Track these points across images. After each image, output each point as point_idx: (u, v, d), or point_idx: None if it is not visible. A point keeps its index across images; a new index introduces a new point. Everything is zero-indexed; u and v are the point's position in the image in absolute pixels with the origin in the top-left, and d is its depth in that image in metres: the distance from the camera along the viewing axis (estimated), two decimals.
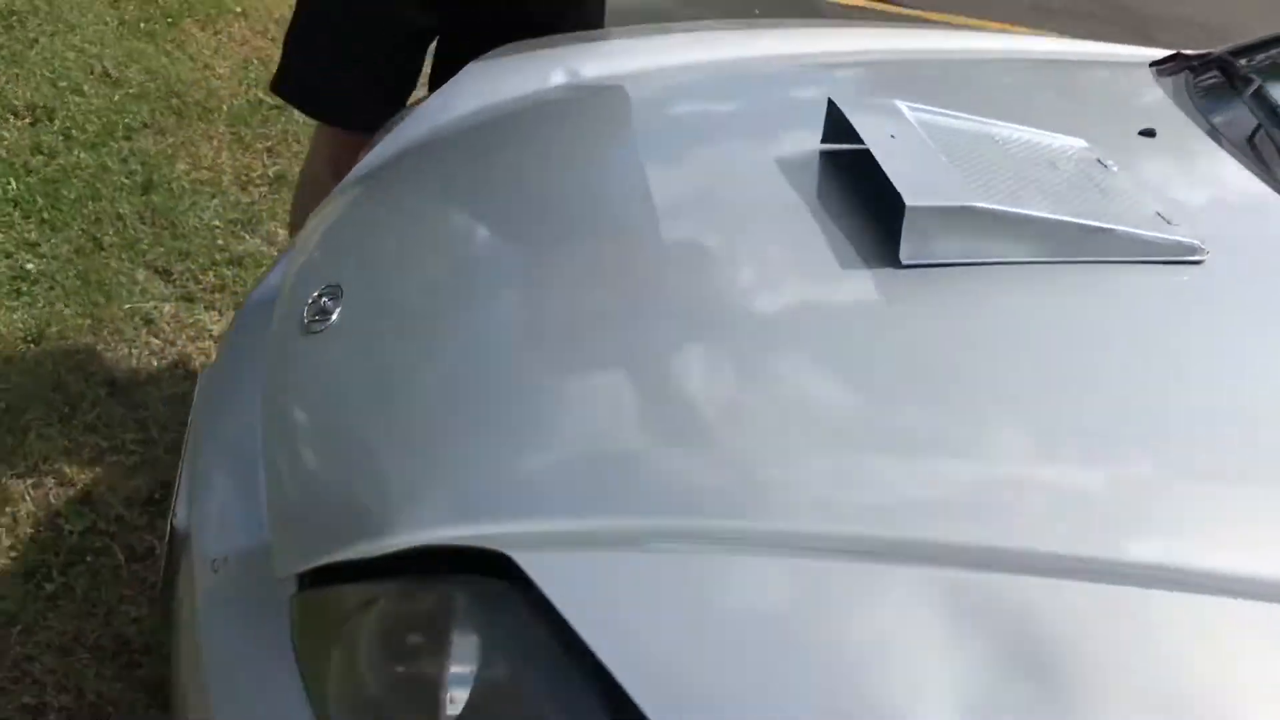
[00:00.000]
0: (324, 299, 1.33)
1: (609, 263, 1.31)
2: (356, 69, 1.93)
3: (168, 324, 2.37)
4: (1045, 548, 0.94)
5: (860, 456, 1.04)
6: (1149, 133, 1.62)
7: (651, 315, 1.21)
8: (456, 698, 0.91)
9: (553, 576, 0.89)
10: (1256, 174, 1.50)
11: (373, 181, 1.62)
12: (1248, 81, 1.73)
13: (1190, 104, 1.72)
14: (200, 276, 2.52)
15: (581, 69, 1.74)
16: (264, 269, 2.19)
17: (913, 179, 1.27)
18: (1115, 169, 1.44)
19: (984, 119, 1.50)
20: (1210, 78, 1.79)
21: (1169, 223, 1.33)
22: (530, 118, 1.65)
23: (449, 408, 1.13)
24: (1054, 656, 0.84)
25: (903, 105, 1.46)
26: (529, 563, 0.89)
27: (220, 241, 2.63)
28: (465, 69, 1.77)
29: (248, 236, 2.68)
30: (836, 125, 1.45)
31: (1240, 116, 1.65)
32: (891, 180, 1.26)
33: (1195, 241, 1.30)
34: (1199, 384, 1.16)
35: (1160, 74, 1.87)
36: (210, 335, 2.36)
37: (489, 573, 0.95)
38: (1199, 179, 1.54)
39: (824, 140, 1.47)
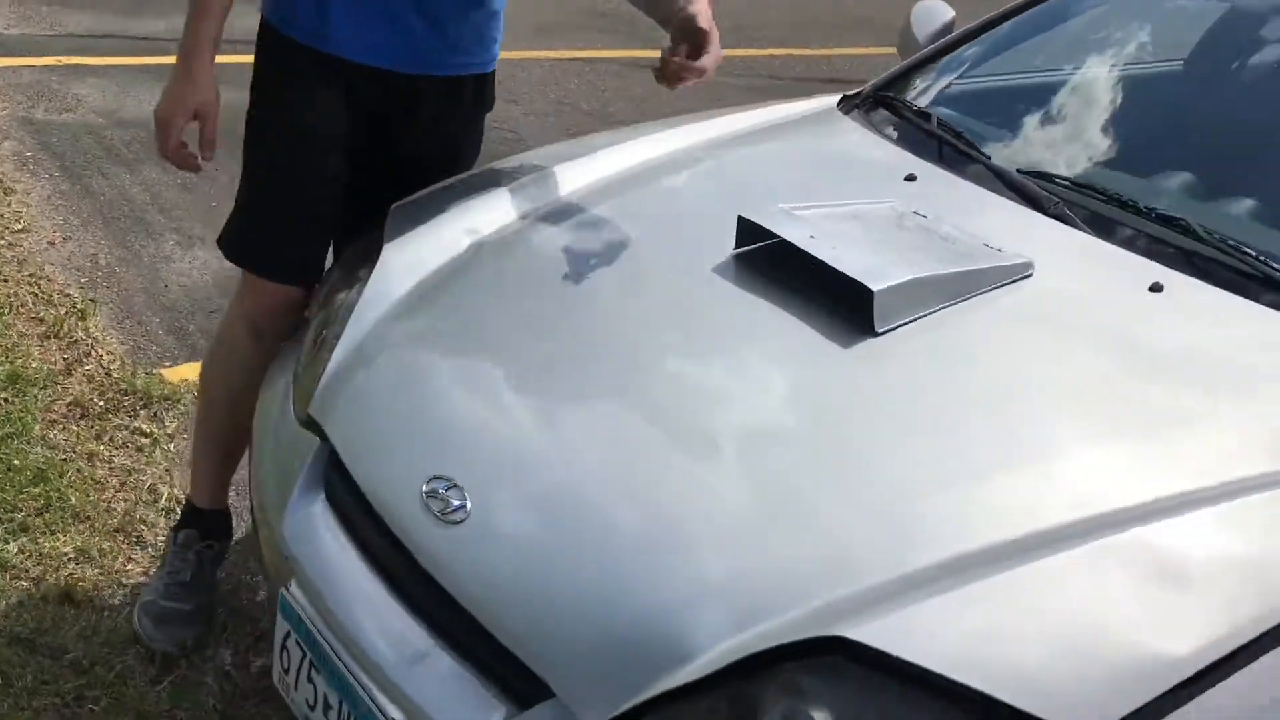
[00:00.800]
0: (439, 491, 1.52)
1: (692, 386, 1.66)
2: (310, 225, 2.09)
3: None
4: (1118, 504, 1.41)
5: (1004, 468, 1.47)
6: (911, 178, 2.15)
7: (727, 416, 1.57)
8: None
9: (890, 639, 1.23)
10: (996, 192, 2.06)
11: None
12: (926, 116, 2.31)
13: (902, 142, 2.25)
14: None
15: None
16: None
17: (858, 267, 1.69)
18: (929, 217, 1.94)
19: (827, 202, 1.95)
20: (893, 115, 2.34)
21: (999, 250, 1.85)
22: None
23: (663, 536, 1.41)
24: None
25: (784, 207, 1.87)
26: (867, 635, 1.23)
27: None
28: (391, 211, 2.01)
29: None
30: (746, 233, 1.84)
31: (951, 150, 2.21)
32: (845, 272, 1.68)
33: (1027, 258, 1.83)
34: (1128, 357, 1.68)
35: (846, 113, 2.41)
36: None
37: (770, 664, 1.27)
38: (966, 208, 2.07)
39: (738, 245, 1.85)
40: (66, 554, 2.34)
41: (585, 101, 5.55)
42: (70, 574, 2.29)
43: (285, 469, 1.80)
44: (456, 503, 1.52)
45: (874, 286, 1.66)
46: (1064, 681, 1.22)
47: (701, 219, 2.00)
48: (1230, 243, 1.88)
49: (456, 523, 1.51)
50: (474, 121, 2.22)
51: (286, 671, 1.67)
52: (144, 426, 2.79)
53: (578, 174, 2.16)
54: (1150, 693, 1.19)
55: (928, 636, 1.26)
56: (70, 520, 2.43)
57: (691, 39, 1.93)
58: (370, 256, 1.97)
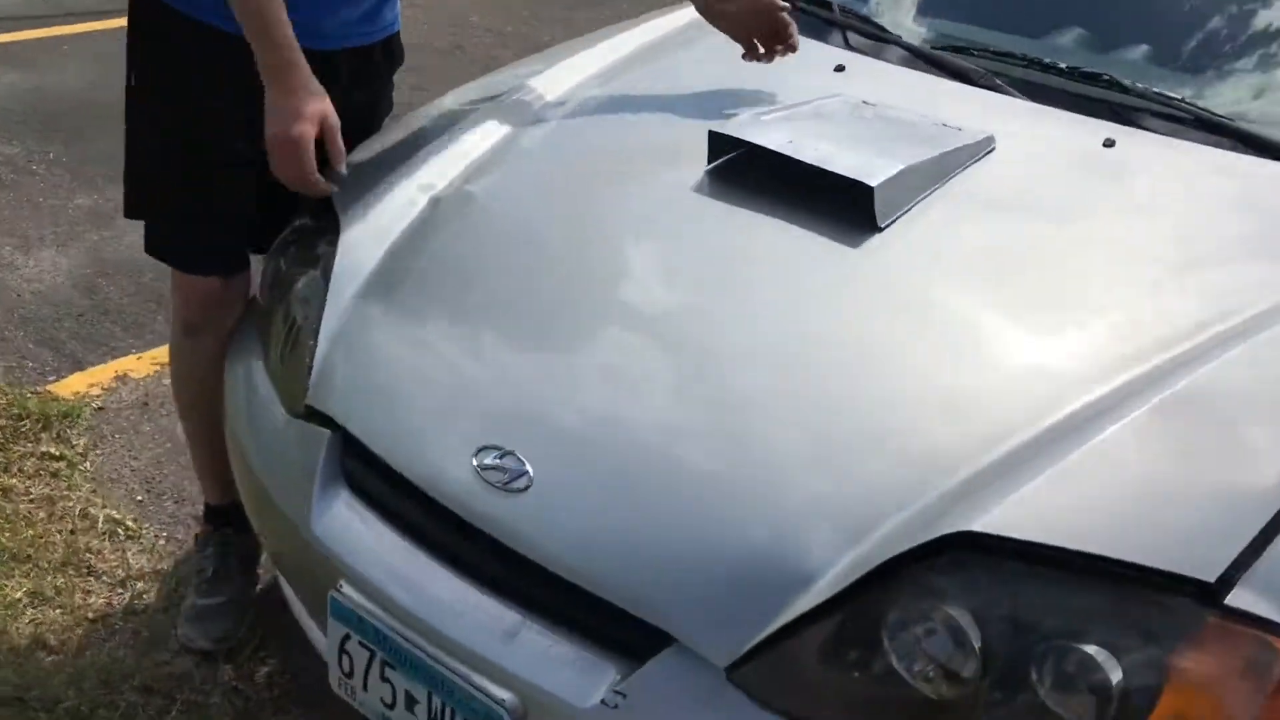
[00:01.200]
0: (493, 460, 1.47)
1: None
2: (225, 212, 1.95)
3: None
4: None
5: (1046, 339, 1.54)
6: (840, 68, 2.15)
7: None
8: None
9: (1005, 524, 1.26)
10: (924, 72, 2.09)
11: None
12: (828, 5, 2.31)
13: (817, 35, 2.25)
14: None
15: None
16: None
17: (848, 165, 1.69)
18: (879, 106, 1.95)
19: (786, 104, 1.93)
20: (801, 9, 2.33)
21: (958, 129, 1.88)
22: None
23: (747, 466, 1.40)
24: None
25: (749, 114, 1.85)
26: (985, 525, 1.26)
27: None
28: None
29: None
30: (720, 146, 1.81)
31: (865, 38, 2.22)
32: (839, 172, 1.68)
33: (988, 133, 1.86)
34: (1114, 213, 1.74)
35: None
36: None
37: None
38: (900, 91, 2.09)
39: (711, 160, 1.82)
40: (20, 599, 2.17)
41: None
42: (32, 619, 2.13)
43: (283, 468, 1.71)
44: (516, 469, 1.47)
45: (872, 183, 1.67)
46: (1175, 533, 1.27)
47: (659, 137, 1.95)
48: (1154, 91, 1.96)
49: (521, 490, 1.46)
50: (386, 80, 2.12)
51: (349, 675, 1.60)
52: (52, 450, 2.59)
53: (510, 111, 2.08)
54: (1258, 524, 1.26)
55: (1037, 516, 1.29)
56: (10, 563, 2.25)
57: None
58: (324, 232, 1.87)
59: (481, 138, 2.00)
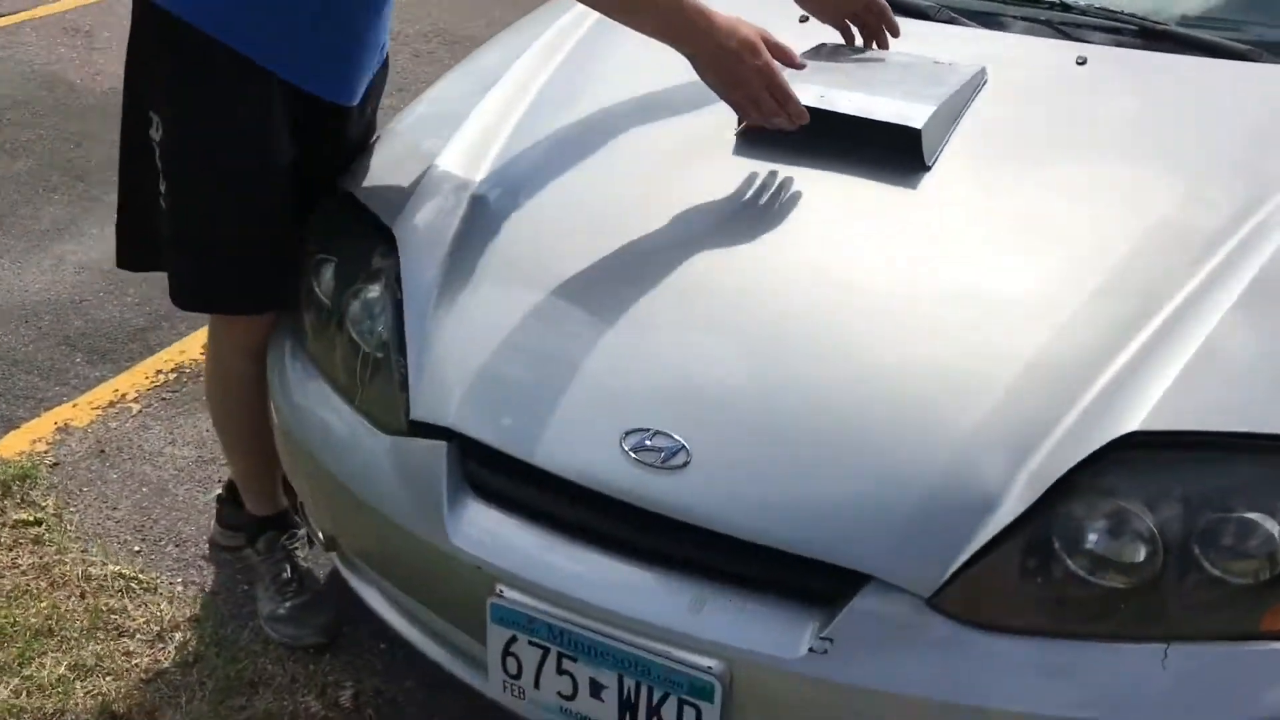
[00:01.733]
0: (643, 442, 1.51)
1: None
2: (284, 251, 1.91)
3: None
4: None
5: (1125, 244, 1.66)
6: (804, 19, 2.23)
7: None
8: None
9: (1164, 419, 1.40)
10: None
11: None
12: None
13: None
14: None
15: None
16: None
17: (890, 112, 1.78)
18: (863, 47, 2.04)
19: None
20: None
21: (950, 64, 1.99)
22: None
23: (899, 406, 1.49)
24: None
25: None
26: (1147, 422, 1.39)
27: None
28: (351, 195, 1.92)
29: None
30: None
31: None
32: (882, 119, 1.76)
33: (979, 65, 1.98)
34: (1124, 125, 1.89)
35: None
36: None
37: None
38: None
39: (740, 123, 1.87)
40: (65, 675, 2.05)
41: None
42: (87, 692, 2.03)
43: (398, 490, 1.68)
44: (670, 447, 1.51)
45: (918, 125, 1.76)
46: None
47: (678, 99, 1.97)
48: (1097, 6, 2.13)
49: (681, 466, 1.50)
50: (376, 104, 2.11)
51: (516, 676, 1.61)
52: (23, 515, 2.44)
53: (512, 97, 2.07)
54: None
55: (1184, 407, 1.43)
56: (36, 641, 2.12)
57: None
58: (370, 247, 1.83)
59: (494, 128, 1.99)
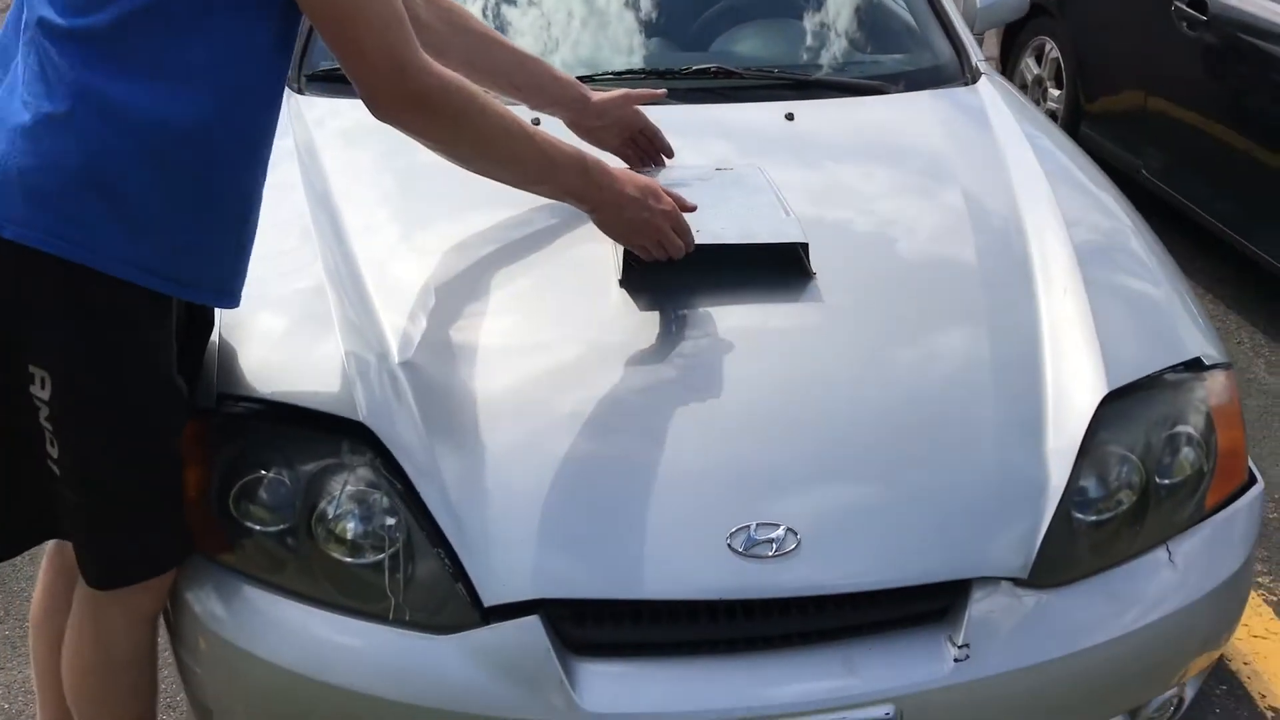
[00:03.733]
0: (753, 538, 1.58)
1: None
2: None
3: None
4: None
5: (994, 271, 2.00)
6: (537, 120, 2.30)
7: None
8: None
9: None
10: None
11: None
12: None
13: None
14: None
15: None
16: None
17: (766, 232, 1.93)
18: (672, 165, 2.18)
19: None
20: None
21: (730, 168, 2.14)
22: None
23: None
24: None
25: None
26: None
27: None
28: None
29: None
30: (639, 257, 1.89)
31: None
32: (767, 242, 1.92)
33: (751, 160, 2.17)
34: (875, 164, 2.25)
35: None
36: None
37: None
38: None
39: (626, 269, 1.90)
40: None
41: None
42: None
43: (497, 686, 1.55)
44: (779, 537, 1.59)
45: (802, 239, 1.92)
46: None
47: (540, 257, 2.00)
48: (776, 70, 2.52)
49: (792, 550, 1.59)
50: None
51: None
52: None
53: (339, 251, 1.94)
54: None
55: (1127, 358, 1.82)
56: None
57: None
58: (335, 445, 1.65)
59: (357, 293, 1.86)
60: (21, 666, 2.34)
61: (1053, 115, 4.91)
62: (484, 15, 2.61)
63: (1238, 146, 3.77)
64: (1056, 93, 4.91)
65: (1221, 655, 2.42)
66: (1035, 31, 5.04)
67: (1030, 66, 5.11)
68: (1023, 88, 5.16)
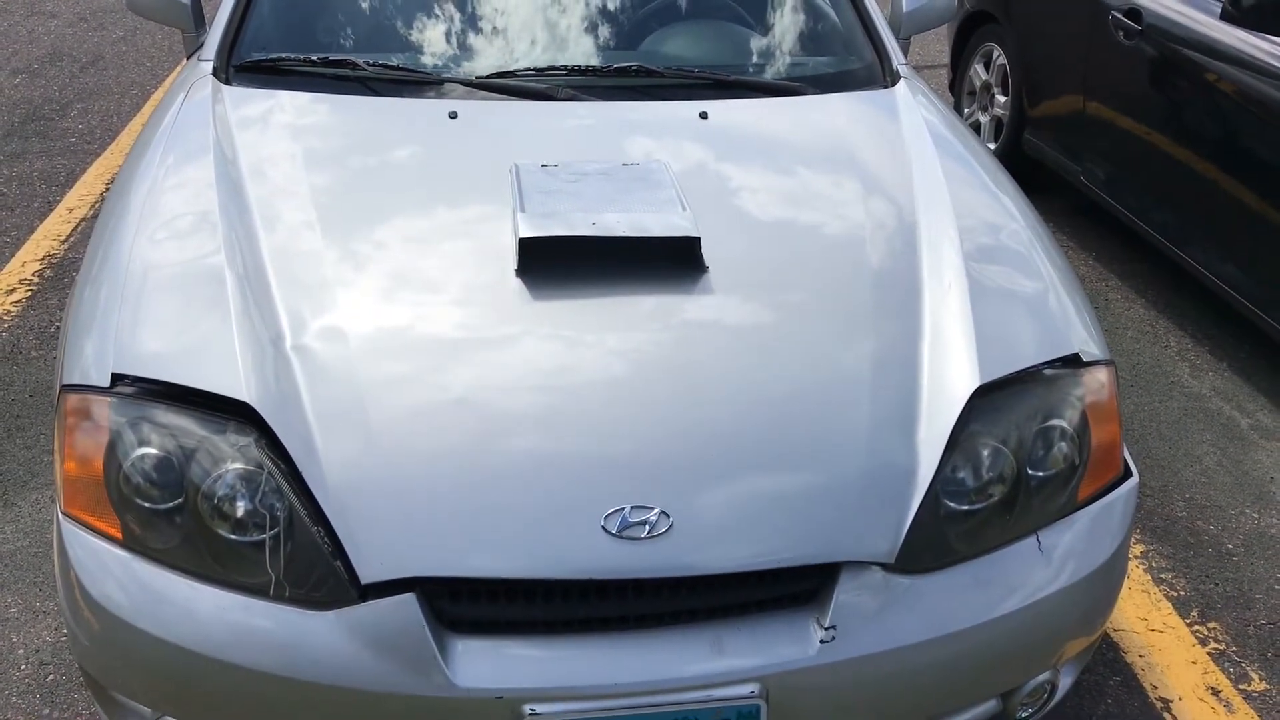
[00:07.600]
0: (628, 520, 1.63)
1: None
2: None
3: None
4: None
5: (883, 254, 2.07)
6: (454, 115, 2.36)
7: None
8: None
9: None
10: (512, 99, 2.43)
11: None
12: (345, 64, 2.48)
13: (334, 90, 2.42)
14: None
15: None
16: None
17: (661, 226, 1.99)
18: (568, 163, 2.23)
19: (540, 190, 2.13)
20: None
21: (637, 163, 2.26)
22: None
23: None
24: None
25: (542, 208, 2.04)
26: None
27: None
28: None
29: None
30: (534, 250, 1.97)
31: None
32: (662, 235, 1.98)
33: (656, 158, 2.27)
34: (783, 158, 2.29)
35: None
36: None
37: None
38: (515, 127, 2.38)
39: (522, 261, 1.97)
40: None
41: None
42: None
43: (371, 660, 1.60)
44: (652, 519, 1.64)
45: (696, 234, 1.99)
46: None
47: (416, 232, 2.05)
48: (696, 70, 2.58)
49: (664, 532, 1.64)
50: None
51: None
52: None
53: (228, 233, 1.98)
54: None
55: (997, 356, 1.88)
56: None
57: None
58: (221, 425, 1.69)
59: (250, 268, 1.91)
60: None
61: (998, 121, 4.99)
62: (411, 10, 2.67)
63: (1172, 156, 3.84)
64: (1003, 99, 4.98)
65: (1118, 648, 2.50)
66: (984, 38, 5.12)
67: (979, 73, 5.18)
68: (971, 94, 5.23)
